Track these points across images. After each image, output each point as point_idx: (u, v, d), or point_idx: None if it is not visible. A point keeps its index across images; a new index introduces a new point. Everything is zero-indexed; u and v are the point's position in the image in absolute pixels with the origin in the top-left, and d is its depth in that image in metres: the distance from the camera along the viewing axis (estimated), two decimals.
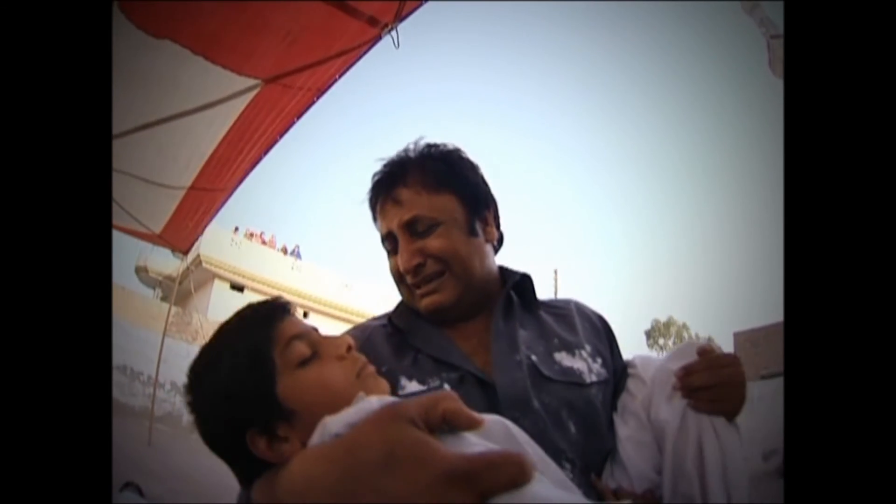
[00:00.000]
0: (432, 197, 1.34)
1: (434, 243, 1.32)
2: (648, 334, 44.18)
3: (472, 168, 1.44)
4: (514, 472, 0.65)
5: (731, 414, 1.15)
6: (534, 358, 1.29)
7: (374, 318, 1.51)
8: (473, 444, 0.74)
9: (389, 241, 1.39)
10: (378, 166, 1.42)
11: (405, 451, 0.68)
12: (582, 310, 1.51)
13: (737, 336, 16.85)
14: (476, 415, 0.76)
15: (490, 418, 0.84)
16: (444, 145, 1.45)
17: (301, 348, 1.02)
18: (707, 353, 1.20)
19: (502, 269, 1.50)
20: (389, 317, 1.43)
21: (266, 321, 1.05)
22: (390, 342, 1.36)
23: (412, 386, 1.23)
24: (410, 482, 0.66)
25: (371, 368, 1.08)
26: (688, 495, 1.08)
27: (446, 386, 1.22)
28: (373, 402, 0.84)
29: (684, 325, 43.61)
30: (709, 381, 1.15)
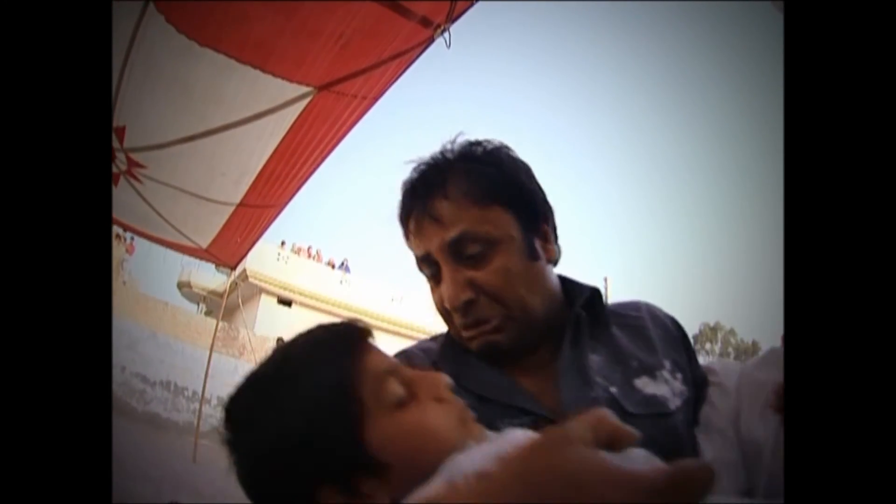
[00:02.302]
0: (481, 212, 1.10)
1: (487, 277, 1.09)
2: (696, 339, 44.16)
3: (525, 171, 1.20)
4: (708, 480, 0.56)
5: None
6: (613, 390, 1.08)
7: (421, 345, 1.29)
8: (642, 459, 0.68)
9: (427, 264, 1.15)
10: (408, 171, 1.18)
11: (592, 474, 0.57)
12: (655, 316, 1.29)
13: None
14: (631, 429, 0.67)
15: (633, 450, 0.71)
16: (489, 143, 1.19)
17: (395, 388, 0.79)
18: None
19: (565, 282, 1.25)
20: (435, 361, 1.19)
21: (351, 350, 0.82)
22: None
23: None
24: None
25: (471, 413, 0.84)
26: None
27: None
28: (518, 433, 0.75)
29: (731, 331, 43.84)
30: None
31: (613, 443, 0.65)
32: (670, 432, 1.06)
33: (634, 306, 1.31)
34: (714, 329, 43.93)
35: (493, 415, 0.99)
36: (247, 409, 0.81)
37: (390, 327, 27.40)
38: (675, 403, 1.10)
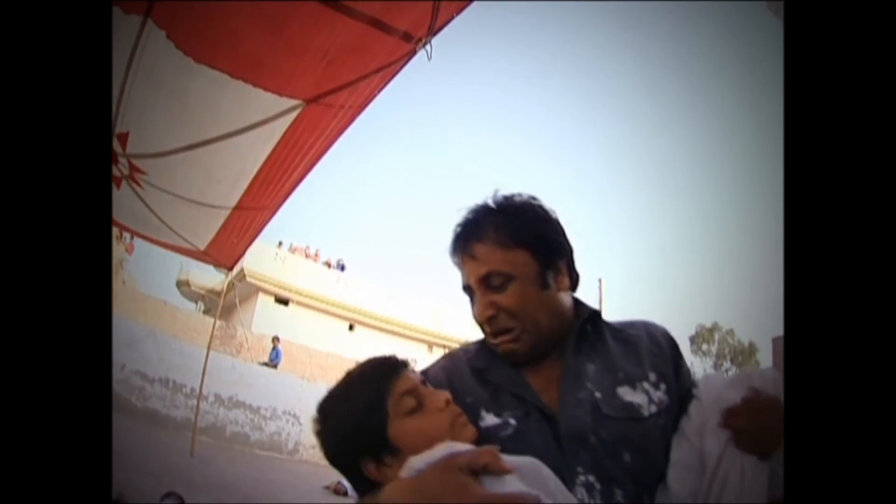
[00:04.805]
0: (506, 253, 1.41)
1: (505, 299, 1.40)
2: (693, 340, 43.40)
3: (545, 220, 1.50)
4: None
5: (763, 456, 1.19)
6: (598, 395, 1.36)
7: (464, 346, 1.64)
8: (505, 481, 1.03)
9: (468, 291, 1.49)
10: (459, 217, 1.50)
11: (452, 490, 0.99)
12: (651, 333, 1.56)
13: (776, 341, 16.56)
14: (506, 465, 1.06)
15: (524, 461, 1.12)
16: (519, 197, 1.51)
17: (409, 402, 1.28)
18: (749, 400, 1.25)
19: (576, 303, 1.55)
20: (471, 358, 1.53)
21: (385, 378, 1.31)
22: (475, 375, 1.48)
23: (489, 418, 1.37)
24: None
25: (463, 418, 1.31)
26: None
27: (512, 421, 1.35)
28: (443, 449, 1.11)
29: (730, 332, 43.09)
30: (747, 426, 1.21)
31: (489, 471, 1.04)
32: (643, 433, 1.32)
33: (633, 325, 1.59)
34: (711, 330, 43.04)
35: (501, 406, 1.39)
36: (324, 412, 1.34)
37: (387, 327, 27.31)
38: (649, 410, 1.36)
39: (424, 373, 1.47)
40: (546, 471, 1.13)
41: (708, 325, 43.81)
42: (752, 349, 40.54)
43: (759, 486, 1.15)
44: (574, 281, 1.54)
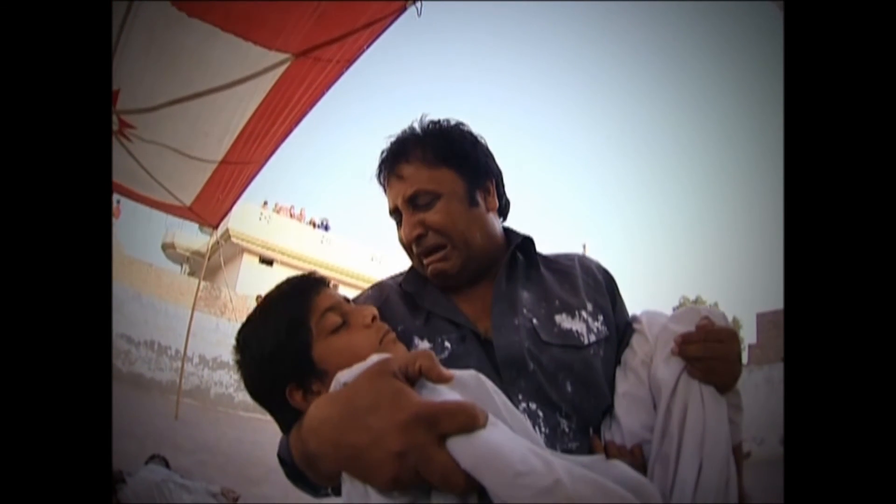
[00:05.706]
0: (432, 171, 1.40)
1: (433, 217, 1.38)
2: (675, 311, 42.74)
3: (472, 142, 1.49)
4: (466, 420, 0.80)
5: (721, 387, 1.18)
6: (535, 322, 1.35)
7: (393, 277, 1.60)
8: (444, 394, 0.89)
9: (396, 214, 1.46)
10: (386, 143, 1.48)
11: (386, 397, 0.85)
12: (585, 265, 1.56)
13: (760, 317, 16.62)
14: (445, 372, 0.91)
15: (464, 373, 0.98)
16: (447, 121, 1.50)
17: (333, 318, 1.19)
18: (705, 328, 1.23)
19: (507, 232, 1.55)
20: (401, 283, 1.50)
21: (304, 294, 1.22)
22: (405, 302, 1.45)
23: (423, 345, 1.33)
24: (388, 421, 0.82)
25: (392, 335, 1.24)
26: (667, 457, 1.13)
27: (447, 344, 1.32)
28: (372, 358, 0.97)
29: (714, 305, 43.06)
30: (703, 353, 1.19)
31: (426, 378, 0.91)
32: (584, 361, 1.31)
33: (568, 256, 1.59)
34: (695, 303, 43.19)
35: (435, 332, 1.35)
36: (243, 338, 1.23)
37: (368, 286, 26.85)
38: (589, 339, 1.35)
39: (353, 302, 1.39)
40: (490, 385, 0.99)
41: (692, 297, 44.17)
42: (735, 324, 40.86)
43: (721, 415, 1.14)
44: (504, 206, 1.54)
